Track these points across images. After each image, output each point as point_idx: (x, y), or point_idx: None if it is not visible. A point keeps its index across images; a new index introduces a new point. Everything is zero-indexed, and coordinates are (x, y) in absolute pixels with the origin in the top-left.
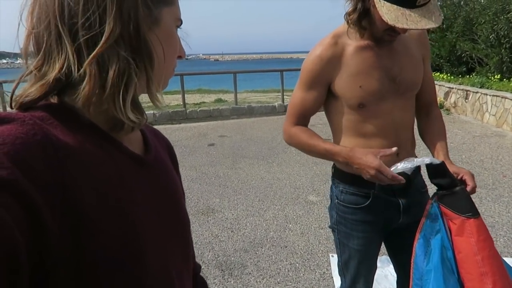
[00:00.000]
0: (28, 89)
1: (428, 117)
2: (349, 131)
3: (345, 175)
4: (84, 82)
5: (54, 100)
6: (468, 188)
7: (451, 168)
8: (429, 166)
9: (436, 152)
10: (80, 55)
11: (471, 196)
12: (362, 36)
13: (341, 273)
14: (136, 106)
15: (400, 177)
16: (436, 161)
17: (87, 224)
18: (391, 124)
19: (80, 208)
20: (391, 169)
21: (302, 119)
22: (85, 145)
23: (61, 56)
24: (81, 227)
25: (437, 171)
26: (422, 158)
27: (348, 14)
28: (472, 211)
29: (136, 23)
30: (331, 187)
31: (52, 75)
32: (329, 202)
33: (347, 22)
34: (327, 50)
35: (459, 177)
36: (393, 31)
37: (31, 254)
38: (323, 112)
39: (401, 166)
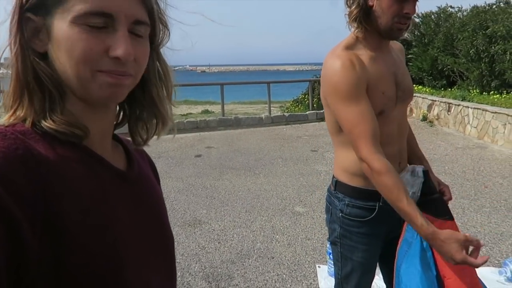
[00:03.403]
0: None
1: None
2: None
3: (350, 189)
4: None
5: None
6: (445, 198)
7: (432, 177)
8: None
9: (419, 160)
10: None
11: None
12: (364, 37)
13: (339, 286)
14: (65, 117)
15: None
16: (420, 168)
17: (68, 239)
18: (396, 131)
19: (61, 224)
20: None
21: (377, 138)
22: (67, 160)
23: None
24: (62, 242)
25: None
26: (412, 170)
27: (350, 12)
28: (448, 215)
29: (13, 42)
30: (332, 201)
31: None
32: (328, 216)
33: (350, 21)
34: (351, 57)
35: (439, 188)
36: (403, 17)
37: (10, 270)
38: (311, 124)
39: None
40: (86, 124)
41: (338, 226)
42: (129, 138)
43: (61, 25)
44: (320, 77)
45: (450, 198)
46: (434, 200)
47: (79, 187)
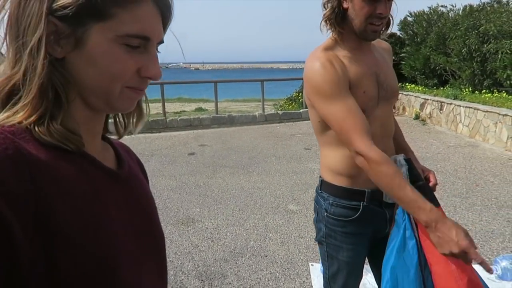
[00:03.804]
0: None
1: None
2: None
3: (335, 188)
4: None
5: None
6: (431, 184)
7: (416, 165)
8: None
9: (404, 151)
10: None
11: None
12: (341, 39)
13: (327, 285)
14: (61, 131)
15: (489, 266)
16: (401, 157)
17: (61, 240)
18: (379, 131)
19: (53, 224)
20: None
21: (368, 130)
22: (58, 160)
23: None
24: (55, 243)
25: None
26: (394, 160)
27: (323, 15)
28: (434, 202)
29: (36, 47)
30: (318, 200)
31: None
32: (315, 215)
33: (326, 24)
34: (330, 57)
35: (424, 175)
36: (375, 18)
37: (1, 271)
38: (304, 122)
39: None
40: (82, 126)
41: (323, 226)
42: (116, 137)
43: (100, 41)
44: None
45: (436, 183)
46: (419, 187)
47: (71, 187)
